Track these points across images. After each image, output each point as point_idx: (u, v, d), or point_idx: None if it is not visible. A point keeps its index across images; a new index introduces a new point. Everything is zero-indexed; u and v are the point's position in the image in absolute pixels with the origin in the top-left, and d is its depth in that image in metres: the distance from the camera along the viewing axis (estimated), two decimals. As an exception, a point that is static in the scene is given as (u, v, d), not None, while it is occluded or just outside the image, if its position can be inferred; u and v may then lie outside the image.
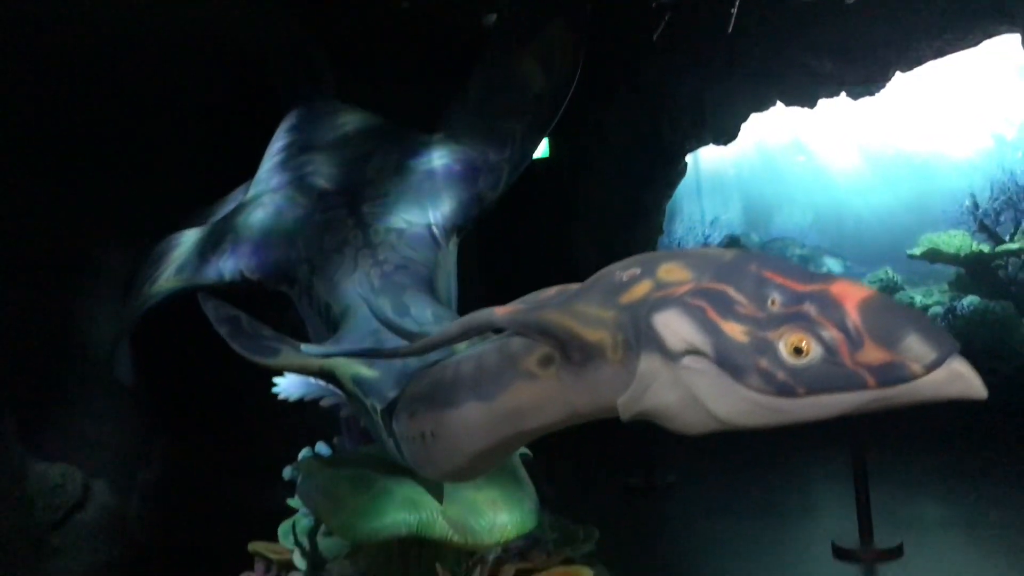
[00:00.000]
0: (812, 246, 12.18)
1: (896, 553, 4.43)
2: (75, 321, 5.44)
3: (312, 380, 3.53)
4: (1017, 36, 4.89)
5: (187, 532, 5.59)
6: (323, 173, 3.66)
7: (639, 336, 1.37)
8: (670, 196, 8.83)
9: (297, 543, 2.86)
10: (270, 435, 5.63)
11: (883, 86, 6.26)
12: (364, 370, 2.63)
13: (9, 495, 4.93)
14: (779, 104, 7.34)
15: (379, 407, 2.50)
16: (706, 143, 8.26)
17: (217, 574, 3.80)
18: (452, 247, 3.50)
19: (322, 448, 3.56)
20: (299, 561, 3.16)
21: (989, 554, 4.39)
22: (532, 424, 1.76)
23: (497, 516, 2.89)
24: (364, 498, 2.80)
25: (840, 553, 4.49)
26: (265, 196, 3.69)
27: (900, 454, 5.85)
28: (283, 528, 3.61)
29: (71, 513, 5.26)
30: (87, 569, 5.16)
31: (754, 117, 7.81)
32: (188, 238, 4.06)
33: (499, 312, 1.72)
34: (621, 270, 1.47)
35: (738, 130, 7.94)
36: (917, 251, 9.58)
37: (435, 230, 3.42)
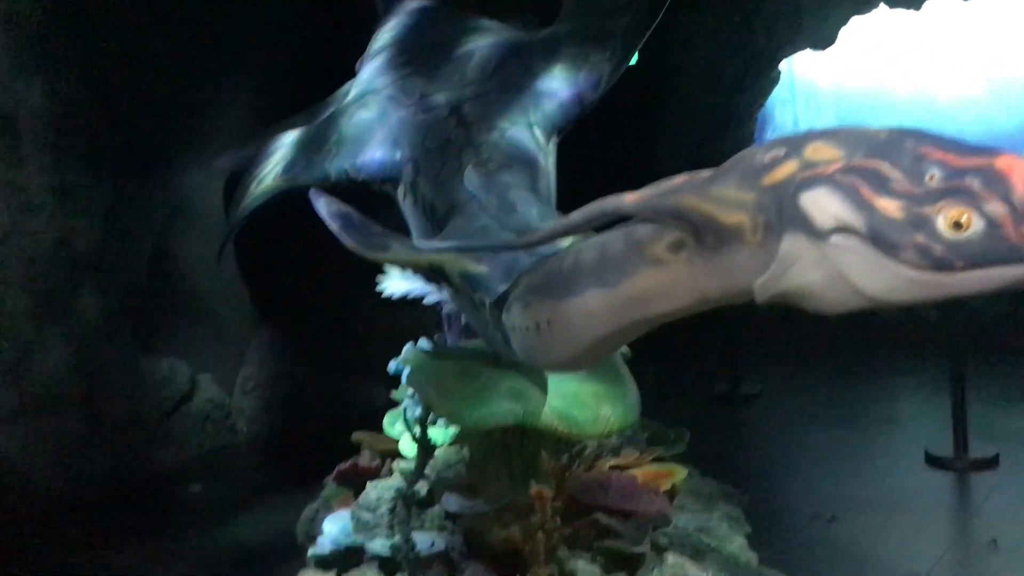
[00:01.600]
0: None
1: (991, 463, 4.40)
2: (183, 220, 5.63)
3: (415, 277, 3.61)
4: None
5: (289, 425, 5.86)
6: (424, 73, 3.67)
7: (782, 217, 1.38)
8: (762, 105, 8.61)
9: (408, 428, 2.98)
10: (371, 333, 5.81)
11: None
12: (472, 265, 2.68)
13: (123, 387, 5.20)
14: (882, 6, 7.04)
15: (488, 301, 2.55)
16: (802, 49, 7.98)
17: (320, 464, 3.99)
18: (551, 148, 3.50)
19: (424, 344, 3.66)
20: (407, 448, 3.29)
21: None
22: (655, 310, 1.78)
23: (600, 409, 2.96)
24: (471, 388, 2.88)
25: (933, 461, 4.48)
26: (368, 97, 3.72)
27: (1000, 366, 5.74)
28: (388, 419, 3.76)
29: (179, 405, 5.54)
30: (194, 456, 5.46)
31: (855, 20, 7.49)
32: (291, 139, 4.13)
33: (628, 198, 1.73)
34: (763, 152, 1.46)
35: (836, 35, 7.65)
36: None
37: (536, 131, 3.41)
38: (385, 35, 4.07)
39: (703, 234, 1.56)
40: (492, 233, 2.70)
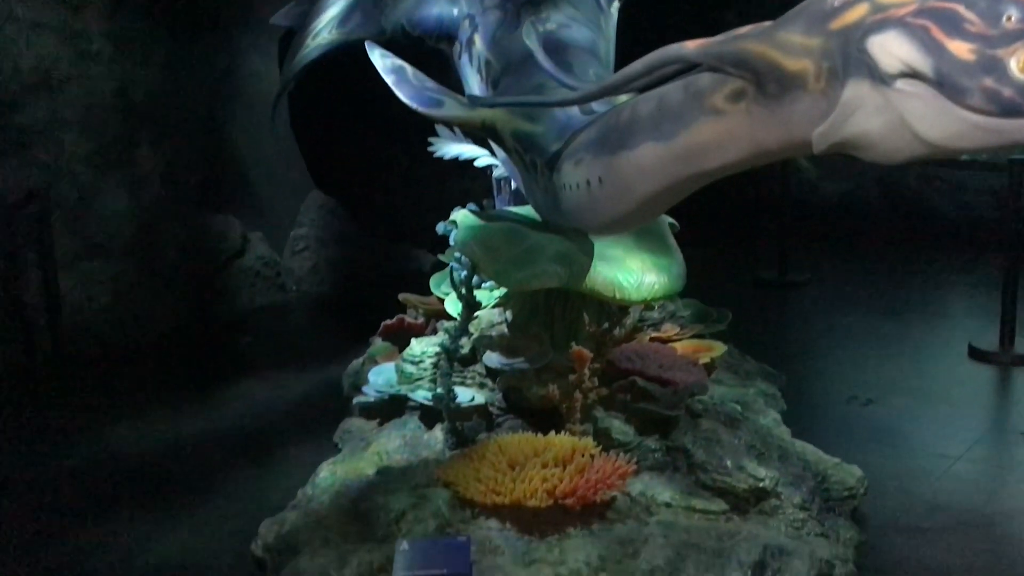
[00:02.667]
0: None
1: (1035, 360, 4.38)
2: (238, 78, 5.63)
3: (466, 140, 3.60)
4: None
5: (337, 285, 5.99)
6: (483, -69, 3.57)
7: (848, 62, 1.35)
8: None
9: (454, 288, 3.03)
10: (421, 200, 5.85)
11: None
12: (526, 124, 2.67)
13: (177, 238, 5.32)
14: None
15: (539, 161, 2.55)
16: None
17: (366, 323, 4.09)
18: (613, 11, 3.41)
19: (474, 208, 3.68)
20: (453, 307, 3.35)
21: None
22: (712, 164, 1.77)
23: (646, 276, 2.98)
24: (518, 250, 2.91)
25: (976, 354, 4.46)
26: (425, -47, 3.64)
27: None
28: (435, 280, 3.82)
29: (231, 260, 5.67)
30: (245, 311, 5.62)
31: None
32: (344, -6, 4.06)
33: (690, 45, 1.70)
34: None
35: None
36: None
37: (598, -7, 3.33)
38: None
39: (765, 82, 1.54)
40: (548, 91, 2.68)
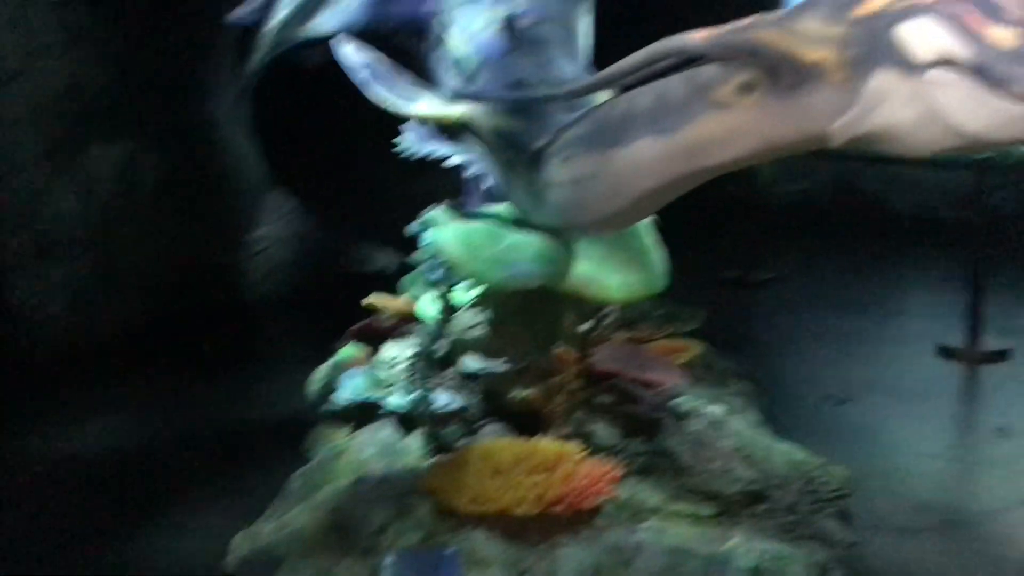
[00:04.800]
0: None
1: (1001, 356, 4.41)
2: (195, 74, 5.46)
3: (437, 138, 3.51)
4: None
5: (298, 287, 5.84)
6: (452, -75, 3.49)
7: (874, 50, 1.30)
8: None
9: (430, 289, 2.95)
10: (385, 199, 5.73)
11: None
12: (507, 121, 2.60)
13: (132, 237, 5.15)
14: None
15: (523, 157, 2.48)
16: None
17: (330, 326, 3.98)
18: (588, 7, 3.36)
19: (445, 208, 3.59)
20: (426, 310, 3.26)
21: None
22: (714, 160, 1.71)
23: (628, 274, 2.92)
24: (497, 249, 2.83)
25: (944, 352, 4.49)
26: (395, -54, 3.55)
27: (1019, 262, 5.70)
28: (406, 281, 3.73)
29: (190, 261, 5.50)
30: (204, 314, 5.43)
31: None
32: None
33: (696, 36, 1.64)
34: None
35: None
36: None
37: (572, -12, 3.27)
38: None
39: (779, 73, 1.48)
40: (529, 86, 2.62)
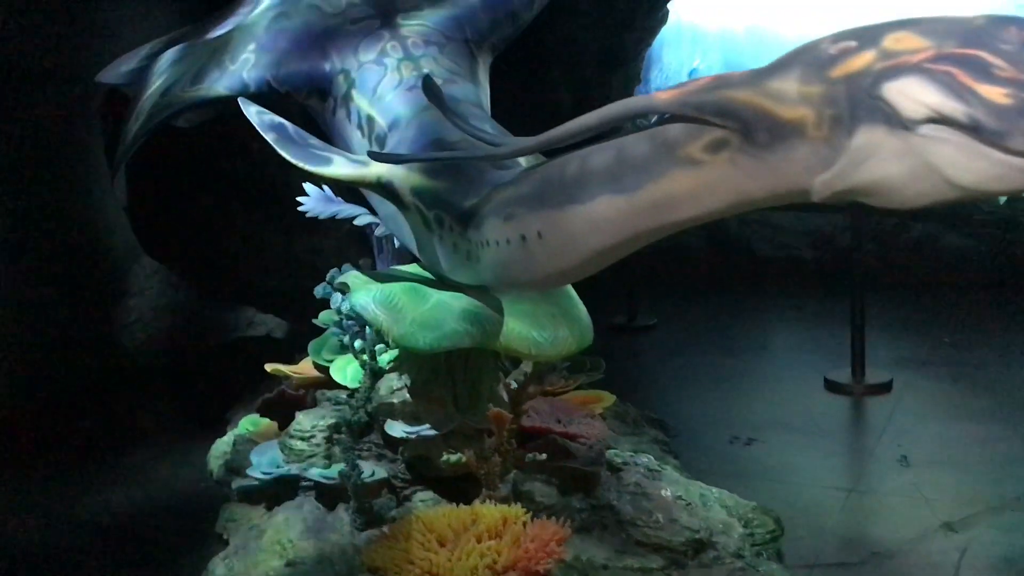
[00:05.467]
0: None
1: (886, 388, 4.64)
2: (56, 135, 5.15)
3: (337, 201, 3.43)
4: None
5: (176, 358, 5.53)
6: (348, -16, 3.45)
7: (857, 108, 1.34)
8: (650, 44, 8.66)
9: (353, 353, 2.84)
10: (264, 261, 5.53)
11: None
12: (428, 180, 2.55)
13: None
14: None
15: (447, 217, 2.44)
16: (690, -11, 8.04)
17: (219, 396, 3.79)
18: (486, 66, 3.38)
19: (350, 270, 3.50)
20: (341, 375, 3.15)
21: (970, 392, 4.65)
22: (682, 215, 1.72)
23: (559, 330, 2.90)
24: (423, 310, 2.76)
25: (832, 386, 4.69)
26: (286, 5, 3.48)
27: (895, 299, 6.04)
28: (314, 345, 3.58)
29: (55, 334, 5.15)
30: (77, 390, 5.08)
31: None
32: (189, 51, 3.83)
33: (662, 96, 1.66)
34: (828, 44, 1.42)
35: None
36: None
37: (472, 47, 3.29)
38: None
39: (754, 131, 1.50)
40: (452, 146, 2.59)
